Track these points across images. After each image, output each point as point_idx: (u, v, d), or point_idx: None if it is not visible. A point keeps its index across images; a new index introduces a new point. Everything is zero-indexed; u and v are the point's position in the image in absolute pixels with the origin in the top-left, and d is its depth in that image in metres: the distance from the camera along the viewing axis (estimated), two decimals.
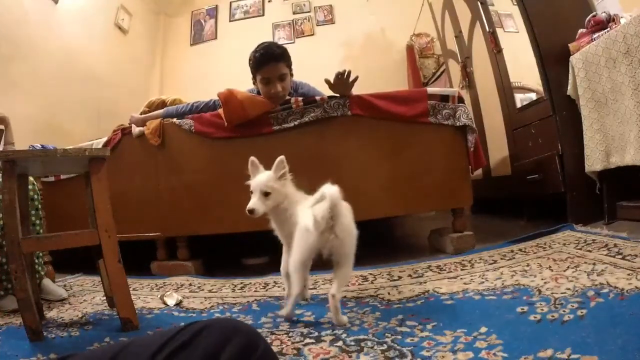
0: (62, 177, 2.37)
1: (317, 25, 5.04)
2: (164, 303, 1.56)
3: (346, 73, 1.91)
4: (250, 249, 2.41)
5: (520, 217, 2.65)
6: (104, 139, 2.28)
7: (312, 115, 1.98)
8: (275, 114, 2.01)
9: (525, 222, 2.54)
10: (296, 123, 1.99)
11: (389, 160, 2.00)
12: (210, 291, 1.73)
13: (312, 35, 5.03)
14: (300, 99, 2.01)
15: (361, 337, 1.05)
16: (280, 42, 2.74)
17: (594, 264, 1.33)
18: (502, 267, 1.54)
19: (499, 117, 2.78)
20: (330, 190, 1.14)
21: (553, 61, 2.12)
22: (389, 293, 1.42)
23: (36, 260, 1.71)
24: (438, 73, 4.26)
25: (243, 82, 2.22)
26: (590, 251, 1.49)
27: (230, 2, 5.18)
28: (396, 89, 2.54)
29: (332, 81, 1.95)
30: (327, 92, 2.03)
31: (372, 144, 2.01)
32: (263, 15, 5.12)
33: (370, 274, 1.69)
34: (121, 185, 2.08)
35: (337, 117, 1.98)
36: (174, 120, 2.14)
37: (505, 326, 1.00)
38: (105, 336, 1.24)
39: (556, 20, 2.17)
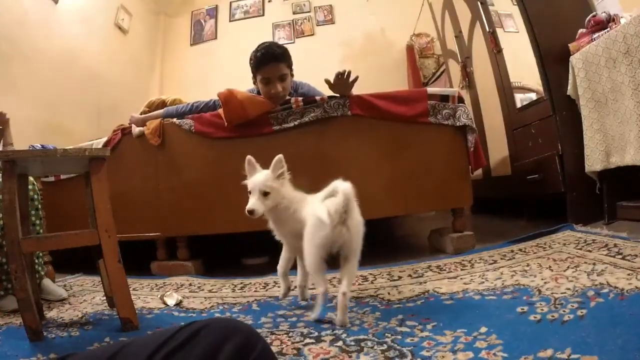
0: (62, 177, 2.37)
1: (317, 25, 5.05)
2: (164, 303, 1.56)
3: (346, 73, 1.91)
4: (250, 249, 2.41)
5: (520, 217, 2.65)
6: (104, 139, 2.28)
7: (312, 115, 1.98)
8: (275, 114, 2.01)
9: (525, 222, 2.54)
10: (296, 123, 1.99)
11: (389, 160, 1.99)
12: (210, 291, 1.73)
13: (312, 35, 5.03)
14: (300, 99, 2.01)
15: (361, 337, 1.05)
16: (280, 42, 2.74)
17: (594, 264, 1.33)
18: (502, 267, 1.54)
19: (499, 117, 2.78)
20: (343, 185, 1.15)
21: (553, 61, 2.12)
22: (389, 293, 1.42)
23: (36, 260, 1.71)
24: (438, 73, 4.26)
25: (243, 82, 2.22)
26: (590, 251, 1.49)
27: (230, 2, 5.18)
28: (396, 89, 2.54)
29: (332, 81, 1.95)
30: (327, 92, 2.03)
31: (372, 144, 2.01)
32: (263, 15, 5.13)
33: (370, 274, 1.69)
34: (121, 185, 2.08)
35: (337, 117, 1.98)
36: (174, 120, 2.14)
37: (505, 326, 1.00)
38: (105, 336, 1.24)
39: (556, 20, 2.17)
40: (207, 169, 2.09)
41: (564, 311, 1.02)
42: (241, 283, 1.80)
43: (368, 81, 2.30)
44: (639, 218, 1.79)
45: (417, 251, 2.13)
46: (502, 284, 1.33)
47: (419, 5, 4.31)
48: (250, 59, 2.03)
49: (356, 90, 1.99)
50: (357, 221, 1.20)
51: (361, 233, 1.22)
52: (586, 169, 1.98)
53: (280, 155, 1.30)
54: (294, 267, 1.44)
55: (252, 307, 1.45)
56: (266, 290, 1.66)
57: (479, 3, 2.78)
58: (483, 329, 0.99)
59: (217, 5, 5.19)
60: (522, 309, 1.08)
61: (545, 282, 1.26)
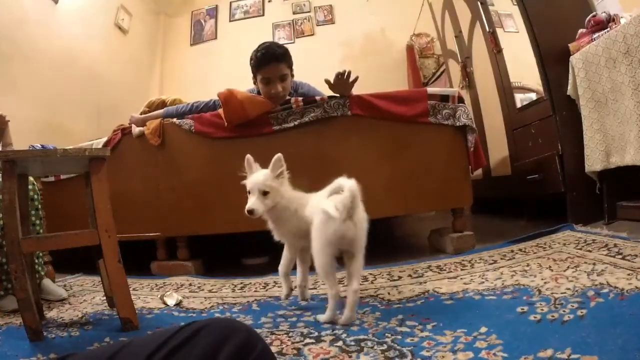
0: (62, 177, 2.37)
1: (317, 25, 5.05)
2: (164, 303, 1.56)
3: (346, 73, 1.91)
4: (250, 249, 2.41)
5: (520, 217, 2.65)
6: (104, 139, 2.28)
7: (312, 115, 1.98)
8: (275, 114, 2.01)
9: (525, 222, 2.54)
10: (296, 123, 1.99)
11: (389, 160, 1.99)
12: (210, 291, 1.73)
13: (312, 35, 5.03)
14: (300, 99, 2.01)
15: (361, 337, 1.05)
16: (280, 42, 2.74)
17: (594, 264, 1.33)
18: (502, 267, 1.54)
19: (499, 117, 2.78)
20: (349, 182, 1.16)
21: (553, 61, 2.12)
22: (389, 293, 1.42)
23: (36, 260, 1.71)
24: (438, 73, 4.26)
25: (243, 82, 2.22)
26: (590, 251, 1.49)
27: (230, 2, 5.19)
28: (396, 89, 2.54)
29: (332, 81, 1.95)
30: (327, 92, 2.03)
31: (372, 144, 2.01)
32: (263, 15, 5.13)
33: (370, 274, 1.69)
34: (121, 185, 2.08)
35: (337, 117, 1.98)
36: (174, 120, 2.14)
37: (505, 326, 0.99)
38: (105, 336, 1.24)
39: (556, 20, 2.17)
40: (207, 169, 2.09)
41: (564, 311, 1.01)
42: (241, 283, 1.80)
43: (368, 81, 2.30)
44: (639, 218, 1.79)
45: (417, 251, 2.13)
46: (502, 284, 1.33)
47: (419, 5, 4.31)
48: (251, 59, 2.03)
49: (356, 90, 1.99)
50: (362, 217, 1.21)
51: (366, 229, 1.22)
52: (586, 169, 1.98)
53: (279, 154, 1.30)
54: (293, 268, 1.44)
55: (252, 307, 1.45)
56: (266, 290, 1.66)
57: (479, 3, 2.78)
58: (483, 329, 0.99)
59: (217, 5, 5.19)
60: (522, 309, 1.08)
61: (545, 282, 1.26)
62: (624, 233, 1.58)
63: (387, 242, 2.71)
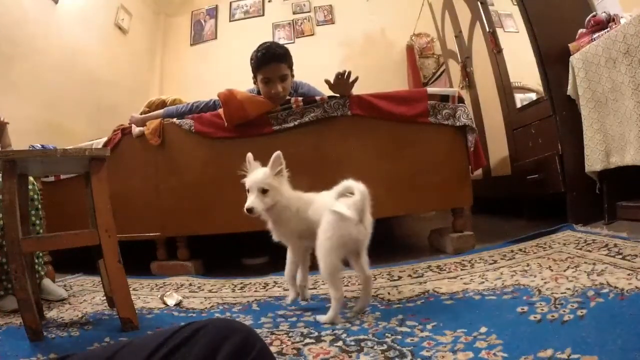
0: (62, 177, 2.37)
1: (317, 25, 5.05)
2: (164, 303, 1.56)
3: (346, 73, 1.91)
4: (250, 249, 2.41)
5: (520, 217, 2.65)
6: (104, 139, 2.28)
7: (312, 115, 1.98)
8: (275, 114, 2.01)
9: (525, 222, 2.54)
10: (296, 123, 1.99)
11: (389, 160, 1.99)
12: (210, 291, 1.73)
13: (312, 35, 5.03)
14: (300, 99, 2.01)
15: (361, 337, 1.05)
16: (280, 42, 2.74)
17: (594, 264, 1.33)
18: (502, 267, 1.54)
19: (499, 117, 2.78)
20: (359, 185, 1.17)
21: (553, 61, 2.12)
22: (389, 293, 1.42)
23: (36, 260, 1.71)
24: (438, 73, 4.26)
25: (243, 82, 2.22)
26: (590, 251, 1.49)
27: (230, 2, 5.18)
28: (396, 89, 2.54)
29: (332, 81, 1.95)
30: (327, 92, 2.03)
31: (372, 144, 2.01)
32: (263, 15, 5.13)
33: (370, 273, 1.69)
34: (121, 185, 2.08)
35: (337, 117, 1.98)
36: (174, 120, 2.14)
37: (505, 326, 1.00)
38: (105, 336, 1.24)
39: (556, 20, 2.17)
40: (207, 169, 2.09)
41: (564, 311, 1.01)
42: (241, 283, 1.80)
43: (368, 81, 2.30)
44: (639, 218, 1.79)
45: (417, 251, 2.13)
46: (502, 284, 1.33)
47: (419, 5, 4.31)
48: (251, 59, 2.03)
49: (356, 90, 1.99)
50: (370, 219, 1.22)
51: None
52: (586, 169, 1.98)
53: (278, 152, 1.29)
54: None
55: (252, 307, 1.45)
56: (266, 290, 1.66)
57: (479, 3, 2.78)
58: (483, 329, 0.99)
59: (217, 5, 5.19)
60: (522, 309, 1.08)
61: (545, 282, 1.26)
62: (624, 233, 1.58)
63: (387, 242, 2.71)
